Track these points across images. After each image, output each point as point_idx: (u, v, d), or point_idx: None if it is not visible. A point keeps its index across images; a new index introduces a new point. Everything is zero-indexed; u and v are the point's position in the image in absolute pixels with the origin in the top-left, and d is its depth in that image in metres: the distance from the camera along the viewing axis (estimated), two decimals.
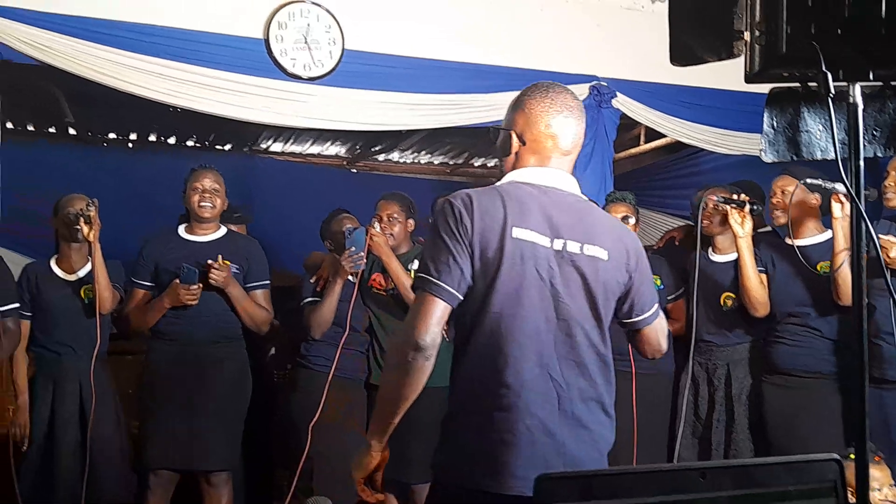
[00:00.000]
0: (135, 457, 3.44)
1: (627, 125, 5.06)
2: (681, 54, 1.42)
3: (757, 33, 1.28)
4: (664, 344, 2.07)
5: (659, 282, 3.69)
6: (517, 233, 1.79)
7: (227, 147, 7.23)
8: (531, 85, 1.97)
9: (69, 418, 3.29)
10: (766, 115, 1.39)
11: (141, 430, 3.39)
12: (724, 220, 3.46)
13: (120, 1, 3.90)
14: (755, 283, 3.44)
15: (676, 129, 4.81)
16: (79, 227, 3.22)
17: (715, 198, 3.40)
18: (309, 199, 6.79)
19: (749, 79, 1.31)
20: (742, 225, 3.38)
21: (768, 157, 1.40)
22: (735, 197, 3.39)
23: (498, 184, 1.94)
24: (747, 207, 3.35)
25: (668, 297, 3.79)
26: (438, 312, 1.77)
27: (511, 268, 1.78)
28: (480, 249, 1.78)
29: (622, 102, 4.65)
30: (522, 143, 1.92)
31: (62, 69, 3.89)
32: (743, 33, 1.29)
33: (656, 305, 2.03)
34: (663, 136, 5.23)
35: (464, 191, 1.86)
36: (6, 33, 3.69)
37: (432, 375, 3.41)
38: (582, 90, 4.53)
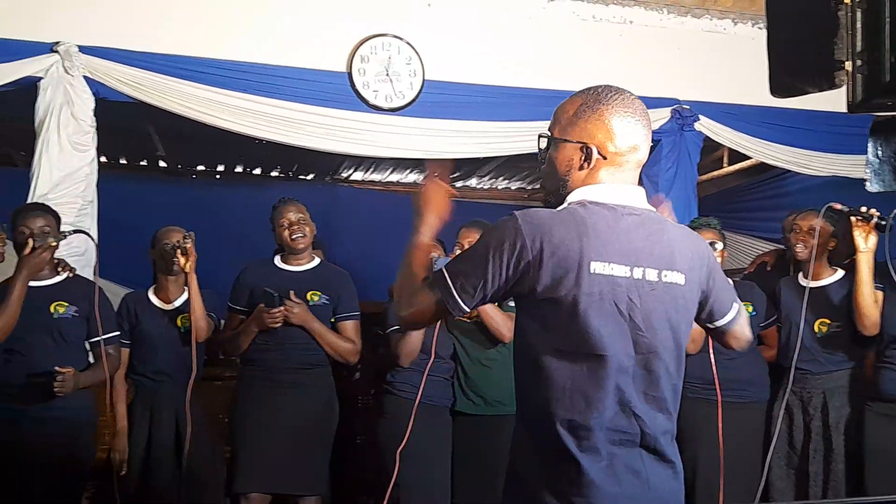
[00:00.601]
0: (227, 481, 3.51)
1: (710, 147, 4.99)
2: (781, 87, 1.40)
3: (859, 63, 1.25)
4: (749, 333, 2.00)
5: (751, 308, 3.61)
6: (595, 267, 1.65)
7: (310, 176, 7.39)
8: (594, 90, 1.78)
9: (166, 444, 3.38)
10: (870, 144, 1.35)
11: (232, 455, 3.46)
12: (826, 242, 3.39)
13: (209, 40, 4.06)
14: (869, 301, 3.36)
15: (762, 150, 4.73)
16: (176, 258, 3.34)
17: (840, 206, 3.31)
18: (389, 225, 6.86)
19: (852, 109, 1.27)
20: (866, 240, 3.31)
21: (874, 187, 1.36)
22: (862, 209, 3.30)
23: (569, 204, 1.74)
24: (873, 221, 3.26)
25: (761, 324, 3.71)
26: (434, 315, 1.77)
27: (589, 305, 1.64)
28: (552, 285, 1.63)
29: (705, 125, 4.59)
30: (603, 156, 1.74)
31: (154, 105, 4.06)
32: (844, 63, 1.27)
33: (736, 303, 1.93)
34: (747, 157, 5.13)
35: (536, 213, 1.69)
36: (103, 72, 3.88)
37: (502, 401, 3.45)
38: (663, 114, 4.50)
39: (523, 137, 4.48)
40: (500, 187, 7.64)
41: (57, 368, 2.97)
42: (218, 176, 7.34)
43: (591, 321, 1.64)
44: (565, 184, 1.79)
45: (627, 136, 1.75)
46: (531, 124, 4.44)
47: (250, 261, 3.65)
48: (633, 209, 1.75)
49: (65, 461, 3.04)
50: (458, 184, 7.50)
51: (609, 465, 1.65)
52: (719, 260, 3.63)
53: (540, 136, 1.84)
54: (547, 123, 4.57)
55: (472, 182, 7.45)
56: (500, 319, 3.49)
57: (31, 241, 3.01)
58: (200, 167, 7.19)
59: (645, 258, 1.70)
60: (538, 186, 7.53)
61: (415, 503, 3.46)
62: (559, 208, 1.74)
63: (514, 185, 7.61)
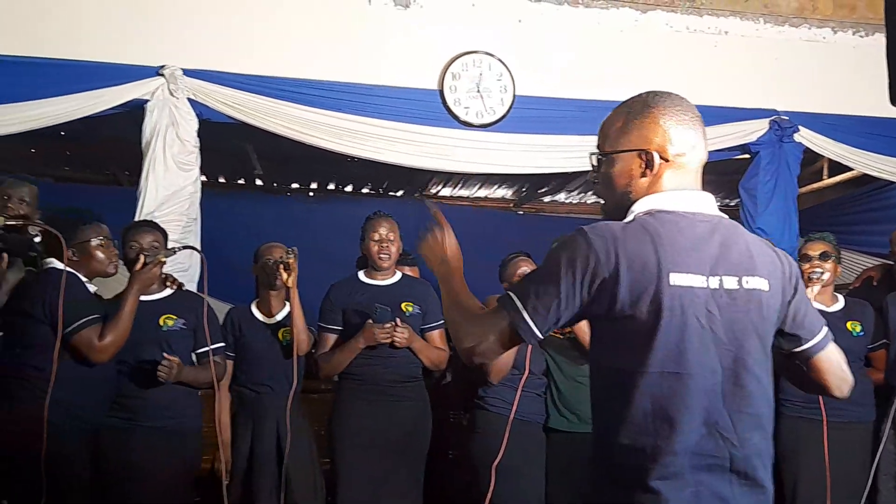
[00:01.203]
0: (326, 493, 3.57)
1: (808, 159, 4.84)
2: None
3: None
4: (847, 370, 1.78)
5: (859, 328, 3.48)
6: (675, 278, 1.55)
7: (400, 193, 7.50)
8: (638, 97, 1.73)
9: (267, 455, 3.46)
10: None
11: (331, 468, 3.52)
12: None
13: (307, 61, 4.18)
14: None
15: (865, 161, 4.57)
16: (278, 273, 3.43)
17: None
18: (477, 240, 6.89)
19: None
20: None
21: None
22: None
23: (637, 214, 1.65)
24: None
25: (869, 346, 3.56)
26: (507, 340, 1.61)
27: (670, 321, 1.54)
28: (630, 301, 1.55)
29: (805, 136, 4.47)
30: (665, 159, 1.67)
31: (254, 126, 4.20)
32: None
33: (825, 326, 1.77)
34: (848, 169, 4.96)
35: (606, 226, 1.61)
36: (206, 94, 4.04)
37: (566, 419, 3.40)
38: (761, 125, 4.40)
39: None
40: (589, 202, 7.58)
41: (165, 355, 3.09)
42: (311, 193, 7.52)
43: (671, 337, 1.54)
44: (628, 195, 1.70)
45: (684, 136, 1.67)
46: None
47: (336, 281, 3.71)
48: (703, 216, 1.66)
49: (174, 470, 3.15)
50: (547, 198, 7.48)
51: (695, 494, 1.53)
52: (830, 275, 3.52)
53: (591, 155, 1.78)
54: None
55: (561, 197, 7.42)
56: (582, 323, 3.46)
57: (141, 257, 3.14)
58: (295, 185, 7.37)
59: (721, 264, 1.60)
60: None
61: None
62: (626, 220, 1.65)
63: None
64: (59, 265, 2.90)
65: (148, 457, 3.08)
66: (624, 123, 1.70)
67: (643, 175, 1.68)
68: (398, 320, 3.45)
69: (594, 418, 1.68)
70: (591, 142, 4.56)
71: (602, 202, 1.80)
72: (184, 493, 3.22)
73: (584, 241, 1.57)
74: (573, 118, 4.37)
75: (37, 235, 3.55)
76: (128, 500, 3.05)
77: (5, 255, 2.70)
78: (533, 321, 1.58)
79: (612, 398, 1.60)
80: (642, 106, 1.70)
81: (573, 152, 4.42)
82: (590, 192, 7.26)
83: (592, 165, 1.78)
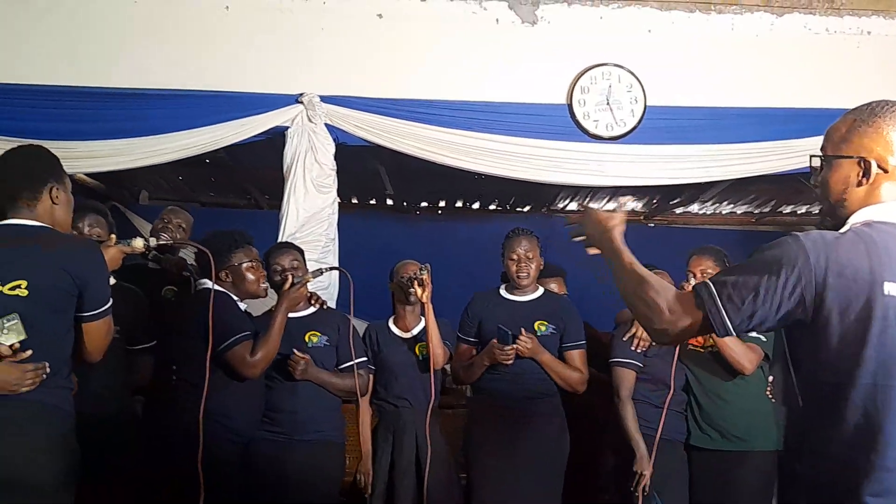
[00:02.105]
0: None
1: None
2: None
3: None
4: None
5: None
6: (889, 288, 1.52)
7: (527, 208, 7.51)
8: (868, 105, 1.72)
9: (407, 468, 3.53)
10: None
11: (468, 482, 3.56)
12: None
13: (436, 82, 4.26)
14: None
15: None
16: (413, 289, 3.52)
17: None
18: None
19: None
20: None
21: None
22: None
23: (854, 225, 1.64)
24: None
25: None
26: (697, 328, 1.61)
27: (883, 331, 1.51)
28: (839, 309, 1.53)
29: None
30: (883, 170, 1.65)
31: (386, 147, 4.32)
32: None
33: None
34: None
35: (820, 234, 1.61)
36: (342, 119, 4.18)
37: (756, 437, 3.28)
38: None
39: (752, 159, 4.32)
40: (724, 212, 7.37)
41: (294, 351, 3.22)
42: (440, 211, 7.64)
43: (885, 348, 1.52)
44: (843, 204, 1.69)
45: None
46: (761, 145, 4.27)
47: (478, 292, 3.76)
48: None
49: (321, 482, 3.26)
50: (679, 210, 7.32)
51: None
52: None
53: (812, 157, 1.77)
54: (779, 143, 4.37)
55: (695, 208, 7.24)
56: (739, 350, 3.36)
57: (290, 277, 3.29)
58: (424, 203, 7.51)
59: None
60: (767, 210, 7.19)
61: None
62: (842, 230, 1.64)
63: (741, 210, 7.31)
64: (211, 284, 3.08)
65: (297, 469, 3.21)
66: (848, 130, 1.71)
67: (859, 184, 1.67)
68: (523, 331, 3.45)
69: (790, 433, 1.66)
70: (726, 150, 4.47)
71: (820, 209, 1.80)
72: (331, 502, 3.32)
73: (795, 244, 1.57)
74: (707, 127, 4.27)
75: (191, 257, 3.80)
76: None
77: (113, 235, 2.87)
78: (726, 311, 1.57)
79: (818, 411, 1.57)
80: (868, 114, 1.70)
81: (707, 162, 4.31)
82: (725, 202, 7.06)
83: (812, 168, 1.78)
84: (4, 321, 2.19)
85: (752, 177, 4.48)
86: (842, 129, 1.72)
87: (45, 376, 2.24)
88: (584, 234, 1.94)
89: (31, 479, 2.19)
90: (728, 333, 1.59)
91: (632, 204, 1.98)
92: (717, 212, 7.37)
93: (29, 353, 2.22)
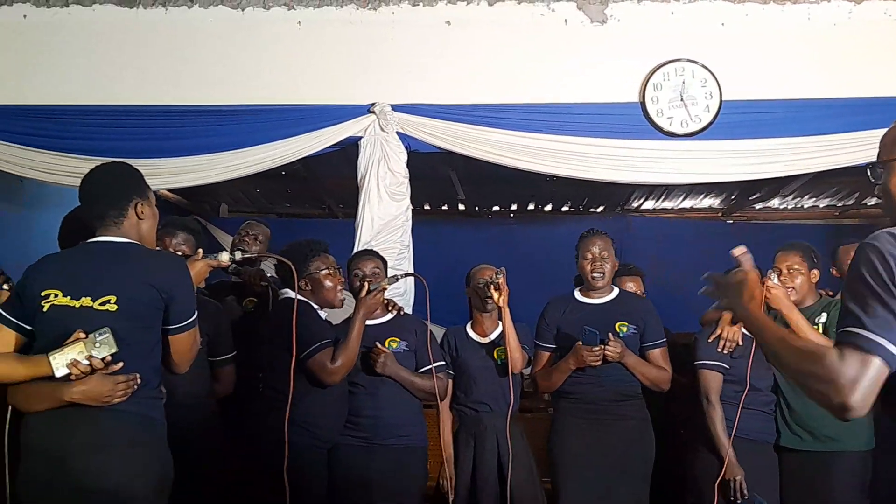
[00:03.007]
0: None
1: None
2: None
3: None
4: None
5: None
6: None
7: (600, 209, 7.44)
8: None
9: (489, 472, 3.52)
10: None
11: (553, 487, 3.54)
12: None
13: (506, 86, 4.26)
14: None
15: None
16: (489, 294, 3.51)
17: None
18: (686, 253, 6.71)
19: None
20: None
21: None
22: None
23: None
24: None
25: None
26: (874, 373, 1.49)
27: None
28: None
29: None
30: None
31: (458, 153, 4.33)
32: None
33: None
34: None
35: (885, 232, 1.60)
36: (413, 127, 4.22)
37: (848, 437, 3.18)
38: None
39: (834, 151, 4.18)
40: (806, 206, 7.16)
41: (377, 345, 3.28)
42: (512, 215, 7.63)
43: None
44: None
45: None
46: (843, 136, 4.14)
47: (553, 297, 3.73)
48: None
49: (405, 486, 3.29)
50: (759, 205, 7.14)
51: None
52: None
53: (868, 167, 1.75)
54: (861, 134, 4.23)
55: (775, 203, 7.06)
56: (810, 333, 3.26)
57: (366, 284, 3.33)
58: (496, 207, 7.51)
59: None
60: (851, 203, 6.96)
61: None
62: None
63: (823, 203, 7.09)
64: (293, 294, 3.14)
65: (381, 474, 3.24)
66: None
67: None
68: (611, 336, 3.41)
69: (886, 431, 1.65)
70: (806, 143, 4.34)
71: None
72: None
73: (874, 251, 1.55)
74: (786, 120, 4.15)
75: (271, 269, 3.88)
76: None
77: (200, 250, 2.95)
78: (885, 340, 1.50)
79: None
80: None
81: (787, 155, 4.20)
82: (807, 196, 6.85)
83: (872, 177, 1.77)
84: (96, 335, 2.27)
85: (834, 169, 4.34)
86: (894, 132, 1.71)
87: (136, 387, 2.31)
88: (719, 298, 1.90)
89: (127, 488, 2.25)
90: None
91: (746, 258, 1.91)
92: (799, 206, 7.17)
93: (120, 365, 2.29)
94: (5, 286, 2.63)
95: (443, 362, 3.52)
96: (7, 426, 2.34)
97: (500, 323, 3.61)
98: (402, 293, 4.01)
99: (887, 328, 1.50)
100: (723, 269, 3.36)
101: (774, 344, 1.67)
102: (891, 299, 1.51)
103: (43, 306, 2.34)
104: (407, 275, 3.77)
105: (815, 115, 4.15)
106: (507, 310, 3.46)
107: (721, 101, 4.12)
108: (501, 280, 3.45)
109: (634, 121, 4.20)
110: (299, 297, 3.16)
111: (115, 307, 2.33)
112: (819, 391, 1.55)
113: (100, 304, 2.33)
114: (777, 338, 1.67)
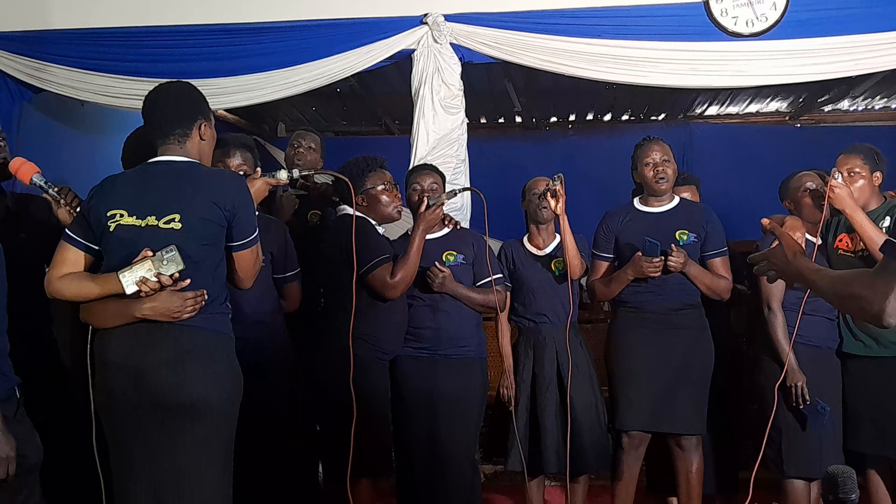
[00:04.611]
0: (608, 419, 3.63)
1: None
2: None
3: None
4: None
5: None
6: None
7: (661, 117, 7.27)
8: None
9: (549, 381, 3.57)
10: None
11: (611, 394, 3.56)
12: None
13: None
14: None
15: None
16: (547, 202, 3.49)
17: None
18: (751, 159, 6.55)
19: None
20: None
21: None
22: None
23: None
24: None
25: None
26: None
27: None
28: None
29: None
30: None
31: (513, 63, 4.25)
32: None
33: None
34: None
35: None
36: (466, 37, 4.14)
37: (862, 342, 3.13)
38: None
39: None
40: (877, 107, 6.86)
41: (436, 264, 3.31)
42: (570, 126, 7.50)
43: None
44: None
45: None
46: None
47: (611, 209, 3.69)
48: None
49: (467, 395, 3.35)
50: (828, 108, 6.88)
51: None
52: None
53: None
54: None
55: (844, 104, 6.79)
56: (873, 233, 3.17)
57: (425, 199, 3.34)
58: (553, 119, 7.39)
59: None
60: None
61: (800, 445, 3.32)
62: None
63: (895, 104, 6.79)
64: (351, 211, 3.16)
65: (443, 383, 3.31)
66: None
67: None
68: (673, 246, 3.37)
69: None
70: (880, 39, 4.13)
71: None
72: (476, 417, 3.42)
73: None
74: (858, 15, 3.95)
75: (322, 185, 3.91)
76: (426, 424, 3.30)
77: (259, 169, 3.01)
78: None
79: None
80: None
81: (858, 53, 4.00)
82: (878, 97, 6.56)
83: None
84: (163, 253, 2.33)
85: None
86: None
87: (203, 303, 2.38)
88: (770, 271, 1.99)
89: (200, 401, 2.33)
90: None
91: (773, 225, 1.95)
92: (870, 107, 6.88)
93: (188, 281, 2.35)
94: (78, 208, 2.70)
95: (500, 275, 3.52)
96: (89, 344, 2.43)
97: (557, 235, 3.60)
98: (460, 208, 4.01)
99: None
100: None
101: (823, 286, 1.79)
102: None
103: (109, 226, 2.40)
104: (464, 189, 3.76)
105: (886, 11, 3.93)
106: (564, 217, 3.44)
107: None
108: (559, 186, 3.41)
109: (697, 21, 4.04)
110: (357, 213, 3.19)
111: (180, 225, 2.38)
112: (859, 307, 1.66)
113: (165, 223, 2.38)
114: (826, 280, 1.79)
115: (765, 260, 2.01)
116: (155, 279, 2.31)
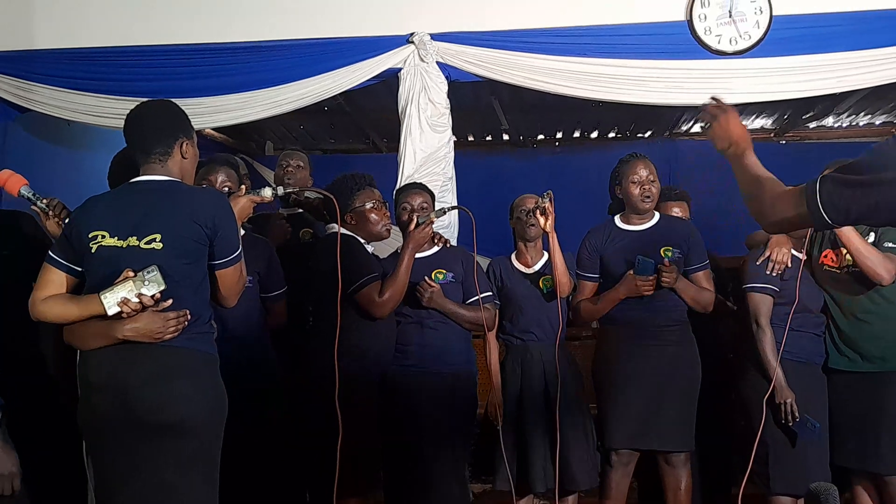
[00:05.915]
0: (596, 437, 3.62)
1: None
2: None
3: None
4: None
5: None
6: None
7: (647, 134, 7.31)
8: None
9: (536, 399, 3.55)
10: None
11: (600, 412, 3.55)
12: None
13: (547, 9, 4.16)
14: None
15: None
16: (536, 220, 3.49)
17: None
18: (734, 176, 6.58)
19: None
20: None
21: None
22: None
23: None
24: None
25: None
26: (798, 221, 1.75)
27: None
28: None
29: None
30: None
31: (500, 81, 4.26)
32: None
33: None
34: None
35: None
36: (453, 56, 4.16)
37: (883, 357, 3.14)
38: None
39: (890, 64, 4.02)
40: (861, 123, 6.93)
41: (425, 278, 3.30)
42: (557, 143, 7.53)
43: None
44: None
45: None
46: None
47: (592, 227, 3.68)
48: None
49: (454, 412, 3.34)
50: (812, 124, 6.94)
51: None
52: None
53: None
54: None
55: (829, 121, 6.85)
56: (876, 259, 3.20)
57: (414, 218, 3.34)
58: (540, 136, 7.42)
59: None
60: None
61: (787, 461, 3.32)
62: None
63: (879, 120, 6.86)
64: (339, 229, 3.16)
65: (431, 400, 3.29)
66: None
67: None
68: (666, 262, 3.37)
69: None
70: (862, 57, 4.17)
71: None
72: (465, 435, 3.40)
73: (891, 143, 1.66)
74: (841, 33, 3.99)
75: (315, 201, 3.91)
76: (412, 440, 3.28)
77: (244, 186, 3.00)
78: (822, 205, 1.67)
79: None
80: None
81: (842, 70, 4.05)
82: (862, 113, 6.62)
83: None
84: (145, 273, 2.31)
85: (890, 83, 4.17)
86: None
87: (186, 323, 2.35)
88: (710, 128, 2.09)
89: (184, 420, 2.31)
90: (824, 227, 1.71)
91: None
92: (854, 124, 6.94)
93: (169, 302, 2.33)
94: (67, 219, 2.69)
95: (489, 293, 3.52)
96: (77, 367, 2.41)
97: (545, 253, 3.60)
98: (447, 225, 4.01)
99: (833, 197, 1.67)
100: None
101: (745, 169, 1.95)
102: (867, 181, 1.64)
103: (91, 247, 2.38)
104: (453, 207, 3.76)
105: (868, 28, 3.98)
106: (554, 234, 3.43)
107: (771, 16, 3.98)
108: (548, 204, 3.41)
109: (681, 40, 4.08)
110: (346, 231, 3.18)
111: (161, 245, 2.36)
112: (758, 210, 1.86)
113: (145, 244, 2.36)
114: (749, 163, 1.95)
115: (709, 122, 2.10)
116: (136, 299, 2.29)
